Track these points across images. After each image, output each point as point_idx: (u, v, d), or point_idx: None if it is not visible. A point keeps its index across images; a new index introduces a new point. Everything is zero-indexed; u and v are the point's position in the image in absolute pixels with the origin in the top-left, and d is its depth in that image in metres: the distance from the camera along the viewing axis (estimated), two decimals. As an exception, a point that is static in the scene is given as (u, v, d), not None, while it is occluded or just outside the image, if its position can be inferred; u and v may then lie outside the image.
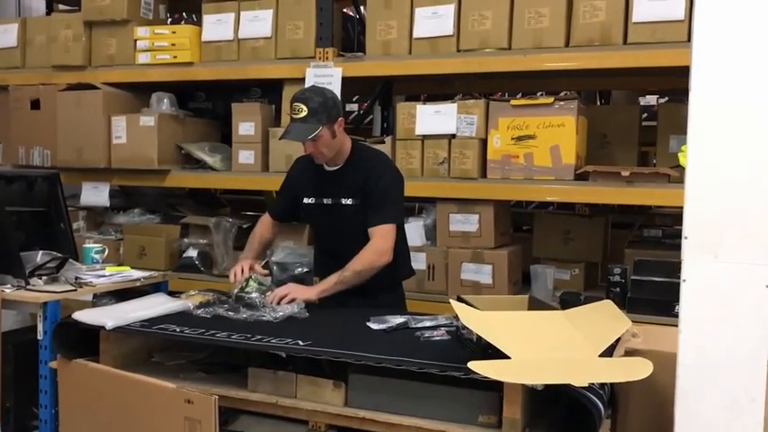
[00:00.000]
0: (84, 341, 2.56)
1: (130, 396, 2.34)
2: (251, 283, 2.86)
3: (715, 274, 1.78)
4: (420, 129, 3.65)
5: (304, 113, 2.76)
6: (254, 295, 2.77)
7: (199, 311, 2.68)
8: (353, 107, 6.07)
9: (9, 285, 2.91)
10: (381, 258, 2.81)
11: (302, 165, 3.08)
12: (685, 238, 1.80)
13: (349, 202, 2.90)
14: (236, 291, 2.85)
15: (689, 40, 1.84)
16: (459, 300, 2.46)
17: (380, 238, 2.82)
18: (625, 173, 3.25)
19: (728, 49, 1.76)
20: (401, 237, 3.03)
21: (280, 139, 2.89)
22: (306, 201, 3.01)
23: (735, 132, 1.76)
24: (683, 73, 1.90)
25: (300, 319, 2.64)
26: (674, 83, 3.51)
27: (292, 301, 2.73)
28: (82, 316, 2.54)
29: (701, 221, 1.78)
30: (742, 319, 1.77)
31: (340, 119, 2.85)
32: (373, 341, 2.38)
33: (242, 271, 2.90)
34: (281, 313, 2.65)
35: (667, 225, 4.26)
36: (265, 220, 3.17)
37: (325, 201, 2.95)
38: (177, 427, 2.19)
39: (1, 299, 2.85)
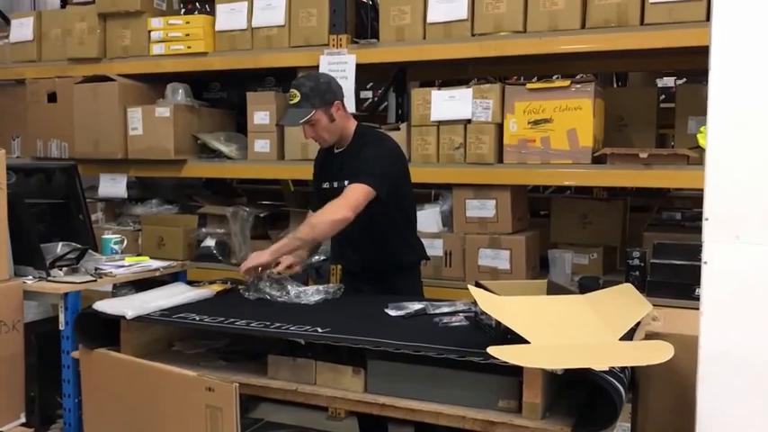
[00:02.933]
0: (105, 331, 2.59)
1: (152, 384, 2.36)
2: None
3: (737, 255, 1.75)
4: (435, 114, 3.63)
5: (297, 99, 2.80)
6: (273, 292, 2.76)
7: (247, 294, 2.77)
8: (368, 94, 6.04)
9: (30, 277, 2.95)
10: (339, 212, 2.67)
11: (322, 152, 3.09)
12: (706, 219, 1.78)
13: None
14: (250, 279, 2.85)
15: (707, 19, 1.81)
16: (478, 285, 2.46)
17: (345, 195, 2.72)
18: (643, 155, 3.22)
19: (749, 28, 1.73)
20: (409, 220, 3.02)
21: (276, 124, 2.94)
22: (323, 186, 3.01)
23: (756, 111, 1.73)
24: (701, 53, 1.87)
25: (320, 306, 2.65)
26: (693, 63, 3.46)
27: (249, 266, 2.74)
28: (102, 306, 2.56)
29: (722, 202, 1.76)
30: (765, 301, 1.75)
31: (336, 102, 2.84)
32: (392, 327, 2.38)
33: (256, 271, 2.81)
34: (315, 297, 2.69)
35: (686, 207, 4.22)
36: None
37: (334, 184, 2.95)
38: (198, 415, 2.20)
39: (23, 290, 2.89)
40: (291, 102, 2.83)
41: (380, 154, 2.86)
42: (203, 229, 4.29)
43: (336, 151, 2.96)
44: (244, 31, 4.09)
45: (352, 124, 2.93)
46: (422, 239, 3.20)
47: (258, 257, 2.76)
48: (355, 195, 2.70)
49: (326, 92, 2.82)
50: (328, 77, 2.93)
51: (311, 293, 2.72)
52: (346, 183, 2.84)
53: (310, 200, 3.25)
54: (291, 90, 2.84)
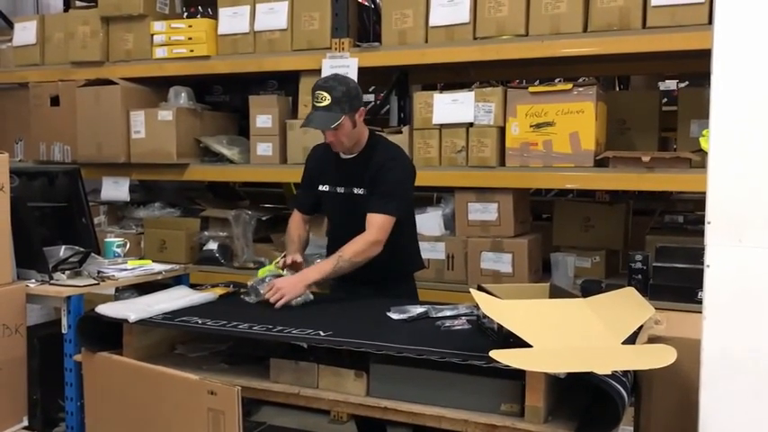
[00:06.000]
0: (108, 334, 2.59)
1: (154, 388, 2.36)
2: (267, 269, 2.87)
3: (739, 258, 1.75)
4: (437, 118, 3.63)
5: (327, 102, 2.73)
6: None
7: (248, 298, 2.77)
8: (370, 97, 6.06)
9: (33, 280, 2.95)
10: (373, 249, 2.75)
11: (319, 152, 3.06)
12: (708, 222, 1.78)
13: (361, 191, 2.88)
14: (251, 283, 2.85)
15: (710, 22, 1.81)
16: (480, 289, 2.46)
17: (376, 229, 2.77)
18: (645, 158, 3.22)
19: (751, 31, 1.73)
20: (411, 231, 3.01)
21: (301, 126, 2.88)
22: (321, 188, 3.00)
23: (758, 115, 1.73)
24: (703, 56, 1.87)
25: (321, 309, 2.65)
26: (695, 66, 3.48)
27: (281, 299, 2.68)
28: (105, 309, 2.56)
29: (725, 206, 1.76)
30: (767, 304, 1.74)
31: (361, 109, 2.84)
32: (394, 331, 2.38)
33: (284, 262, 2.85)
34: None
35: (689, 210, 4.22)
36: (296, 218, 3.11)
37: (338, 189, 2.94)
38: (201, 419, 2.20)
39: (25, 293, 2.89)
40: (320, 104, 2.74)
41: (403, 178, 2.89)
42: (206, 233, 4.29)
43: (345, 157, 2.92)
44: (246, 35, 4.10)
45: (366, 131, 2.93)
46: (424, 243, 3.20)
47: (293, 290, 2.70)
48: (385, 227, 2.78)
49: (355, 97, 2.80)
50: (354, 82, 2.90)
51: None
52: (355, 190, 2.87)
53: (297, 200, 3.21)
54: (320, 92, 2.75)
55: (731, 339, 1.77)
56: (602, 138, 3.49)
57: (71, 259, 3.05)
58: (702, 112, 1.88)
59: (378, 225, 2.78)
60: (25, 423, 2.91)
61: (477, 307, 2.30)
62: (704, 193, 1.79)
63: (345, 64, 3.78)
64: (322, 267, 2.78)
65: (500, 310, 2.14)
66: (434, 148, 3.65)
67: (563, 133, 3.38)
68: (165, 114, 4.18)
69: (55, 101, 4.56)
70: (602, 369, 1.87)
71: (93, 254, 3.20)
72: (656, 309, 2.32)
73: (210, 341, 2.68)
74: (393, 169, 2.86)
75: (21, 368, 2.88)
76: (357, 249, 2.75)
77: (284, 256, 2.90)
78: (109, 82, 4.34)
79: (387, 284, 2.89)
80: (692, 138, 3.56)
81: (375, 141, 2.95)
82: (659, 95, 4.07)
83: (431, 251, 3.62)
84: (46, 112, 4.60)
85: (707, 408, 1.80)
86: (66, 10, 5.39)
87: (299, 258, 2.89)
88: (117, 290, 3.20)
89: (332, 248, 3.10)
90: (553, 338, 2.01)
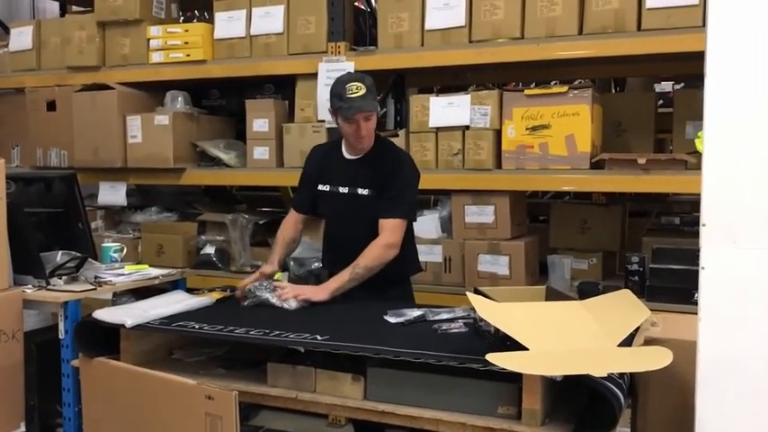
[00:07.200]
0: (105, 339, 2.58)
1: (152, 393, 2.36)
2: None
3: (734, 260, 1.76)
4: (433, 121, 3.64)
5: (363, 91, 2.79)
6: (266, 295, 2.77)
7: (244, 303, 2.79)
8: (367, 101, 6.05)
9: (30, 286, 2.95)
10: (390, 252, 2.82)
11: (320, 152, 3.09)
12: (703, 225, 1.78)
13: (365, 192, 2.89)
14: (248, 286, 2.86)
15: (704, 24, 1.82)
16: (477, 292, 2.46)
17: (389, 232, 2.82)
18: (641, 160, 3.23)
19: (744, 32, 1.73)
20: (409, 234, 3.03)
21: (349, 115, 2.79)
22: (321, 188, 3.00)
23: (752, 116, 1.73)
24: (698, 58, 1.88)
25: (318, 313, 2.65)
26: (690, 68, 3.47)
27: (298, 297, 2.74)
28: (102, 315, 2.56)
29: (720, 207, 1.76)
30: (763, 306, 1.75)
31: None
32: (391, 335, 2.38)
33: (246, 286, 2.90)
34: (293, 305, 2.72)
35: (685, 212, 4.23)
36: (290, 218, 3.13)
37: (341, 189, 2.95)
38: (198, 424, 2.20)
39: (22, 299, 2.89)
40: (356, 94, 2.78)
41: (411, 181, 2.93)
42: (203, 237, 4.29)
43: (349, 157, 2.94)
44: (242, 39, 4.10)
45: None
46: (421, 245, 3.20)
47: (316, 295, 2.76)
48: (398, 230, 2.84)
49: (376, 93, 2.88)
50: None
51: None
52: (359, 191, 2.90)
53: (294, 200, 3.23)
54: (354, 83, 2.79)
55: (727, 341, 1.78)
56: (597, 140, 3.50)
57: (68, 264, 3.05)
58: (698, 114, 1.88)
59: (390, 228, 2.82)
60: (23, 429, 2.90)
61: (474, 310, 2.30)
62: (700, 194, 1.79)
63: (342, 68, 3.78)
64: (340, 277, 2.81)
65: (496, 313, 2.14)
66: (431, 151, 3.65)
67: (559, 136, 3.39)
68: (162, 119, 4.18)
69: (51, 106, 4.56)
70: (599, 371, 1.88)
71: (90, 259, 3.20)
72: (652, 310, 2.32)
73: (208, 346, 2.68)
74: (402, 174, 2.90)
75: (18, 374, 2.88)
76: (372, 255, 2.80)
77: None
78: (105, 87, 4.34)
79: (383, 288, 2.90)
80: (688, 139, 3.56)
81: (381, 144, 2.98)
82: (655, 97, 4.07)
83: (428, 254, 3.62)
84: (42, 117, 4.59)
85: (703, 409, 1.80)
86: (62, 15, 5.39)
87: (267, 270, 2.97)
88: (114, 295, 3.20)
89: (329, 250, 3.11)
90: (549, 341, 2.02)
